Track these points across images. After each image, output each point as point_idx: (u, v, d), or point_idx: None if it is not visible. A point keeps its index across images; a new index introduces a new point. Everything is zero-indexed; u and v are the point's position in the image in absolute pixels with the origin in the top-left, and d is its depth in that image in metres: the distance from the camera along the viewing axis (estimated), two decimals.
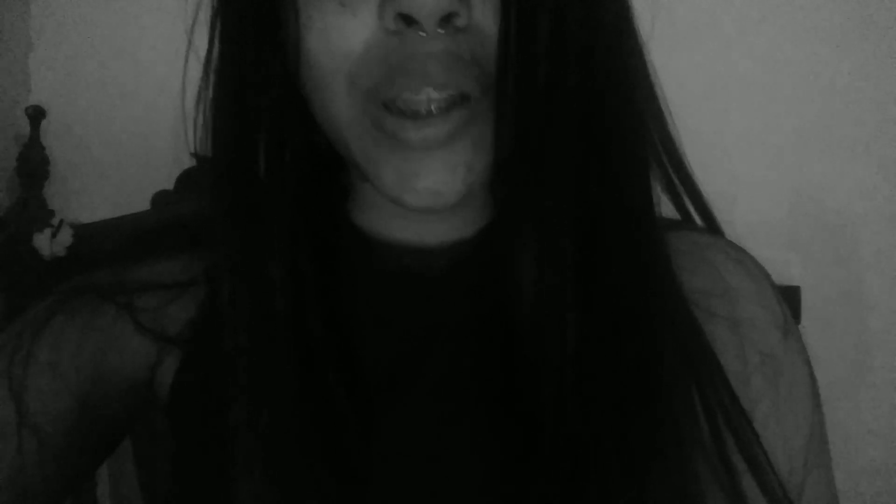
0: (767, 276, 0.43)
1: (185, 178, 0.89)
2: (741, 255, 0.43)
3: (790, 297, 0.85)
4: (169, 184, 0.90)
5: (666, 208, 0.41)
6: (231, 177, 0.36)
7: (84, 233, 0.81)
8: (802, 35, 1.01)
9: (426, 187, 0.33)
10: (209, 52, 0.37)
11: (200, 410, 0.39)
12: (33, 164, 1.02)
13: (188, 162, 0.86)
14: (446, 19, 0.30)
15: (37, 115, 1.03)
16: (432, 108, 0.32)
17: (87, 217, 0.88)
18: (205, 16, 0.38)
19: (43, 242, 0.81)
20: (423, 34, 0.30)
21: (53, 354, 0.39)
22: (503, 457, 0.35)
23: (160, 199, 0.89)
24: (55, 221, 0.84)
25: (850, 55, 1.00)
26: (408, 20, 0.30)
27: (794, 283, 0.90)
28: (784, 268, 0.98)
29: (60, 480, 0.39)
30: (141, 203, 0.88)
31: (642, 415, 0.34)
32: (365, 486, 0.35)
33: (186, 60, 0.38)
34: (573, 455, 0.33)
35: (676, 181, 0.41)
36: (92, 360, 0.40)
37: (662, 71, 0.39)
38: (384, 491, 0.36)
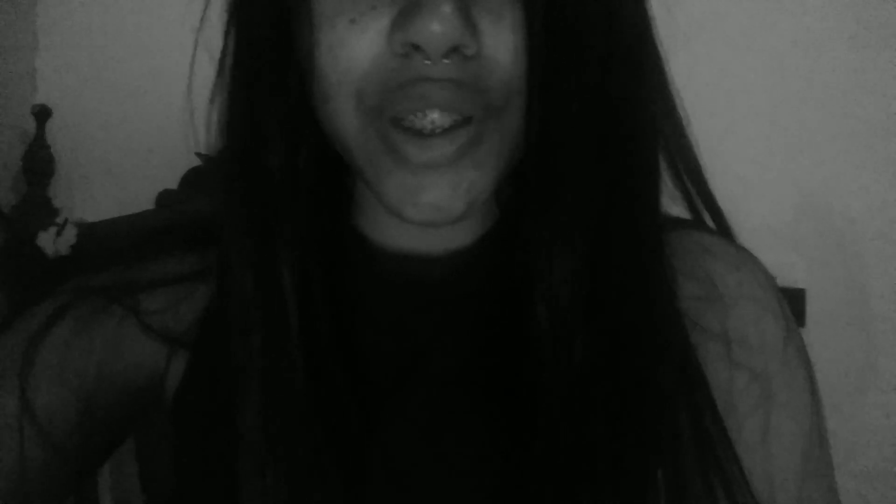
0: (771, 282, 0.42)
1: (190, 178, 0.89)
2: (743, 261, 0.42)
3: (795, 300, 0.85)
4: (174, 183, 0.90)
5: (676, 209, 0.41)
6: (243, 179, 0.36)
7: (88, 232, 0.82)
8: (808, 38, 1.01)
9: (428, 202, 0.33)
10: (223, 54, 0.37)
11: (207, 410, 0.39)
12: (39, 163, 1.02)
13: (193, 161, 0.86)
14: (454, 49, 0.31)
15: (43, 114, 1.03)
16: (436, 129, 0.32)
17: (91, 216, 0.88)
18: (212, 14, 0.38)
19: (47, 241, 0.81)
20: (428, 62, 0.31)
21: (59, 357, 0.40)
22: (500, 460, 0.36)
23: (165, 198, 0.89)
24: (60, 220, 0.84)
25: (857, 58, 1.00)
26: (415, 47, 0.31)
27: (799, 286, 0.90)
28: (789, 270, 0.97)
29: (63, 479, 0.39)
30: (145, 202, 0.88)
31: (637, 432, 0.34)
32: (369, 483, 0.36)
33: (193, 61, 0.38)
34: (567, 467, 0.33)
35: (690, 186, 0.41)
36: (97, 363, 0.40)
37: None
38: (386, 488, 0.36)
